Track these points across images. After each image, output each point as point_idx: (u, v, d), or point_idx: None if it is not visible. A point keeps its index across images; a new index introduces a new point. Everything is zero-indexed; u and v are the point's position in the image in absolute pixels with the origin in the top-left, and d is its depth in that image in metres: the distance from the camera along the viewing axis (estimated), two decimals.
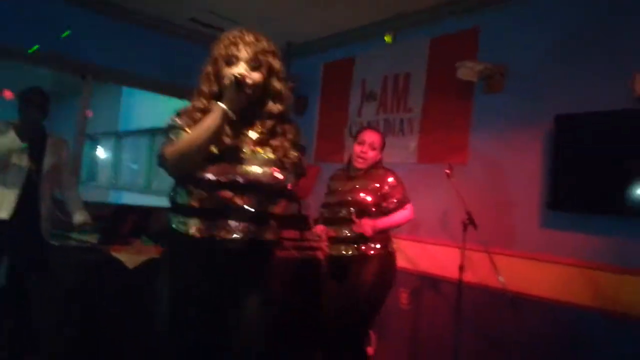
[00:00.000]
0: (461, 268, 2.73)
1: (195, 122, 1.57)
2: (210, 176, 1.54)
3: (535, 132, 2.87)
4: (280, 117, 1.66)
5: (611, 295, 2.45)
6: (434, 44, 3.52)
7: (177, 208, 1.63)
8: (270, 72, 1.63)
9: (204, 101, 1.62)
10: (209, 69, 1.65)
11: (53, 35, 3.69)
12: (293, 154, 1.65)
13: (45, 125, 3.02)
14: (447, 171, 2.79)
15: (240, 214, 1.56)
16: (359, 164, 2.73)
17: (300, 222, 3.54)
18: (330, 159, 4.16)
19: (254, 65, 1.59)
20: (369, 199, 2.65)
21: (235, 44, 1.59)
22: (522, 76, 2.96)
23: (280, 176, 1.60)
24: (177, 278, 1.60)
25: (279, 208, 1.67)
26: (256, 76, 1.59)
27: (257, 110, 1.65)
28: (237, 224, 1.56)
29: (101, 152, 8.15)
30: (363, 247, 2.63)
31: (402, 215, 2.69)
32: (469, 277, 2.78)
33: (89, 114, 4.21)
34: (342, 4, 3.54)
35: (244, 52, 1.59)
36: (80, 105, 4.08)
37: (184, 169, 1.55)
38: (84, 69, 3.96)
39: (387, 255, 2.68)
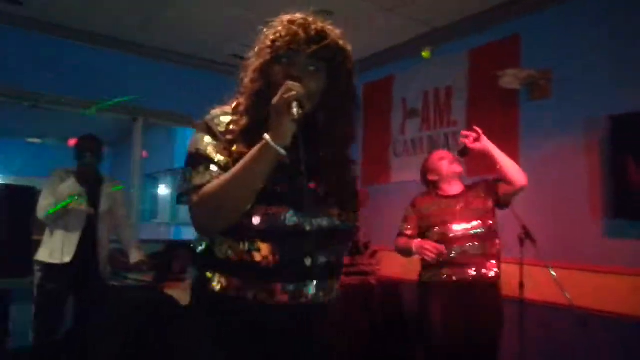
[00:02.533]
0: (521, 285, 2.56)
1: (232, 141, 1.16)
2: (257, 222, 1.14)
3: (589, 136, 2.70)
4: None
5: None
6: (473, 54, 3.42)
7: (214, 263, 1.20)
8: (335, 78, 1.19)
9: (249, 104, 1.18)
10: (254, 61, 1.21)
11: (104, 84, 3.93)
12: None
13: (100, 170, 3.19)
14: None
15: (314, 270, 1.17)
16: (457, 169, 2.56)
17: (351, 248, 3.49)
18: (376, 180, 4.11)
19: (315, 69, 1.16)
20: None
21: (295, 35, 1.14)
22: (570, 80, 2.82)
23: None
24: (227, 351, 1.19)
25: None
26: (313, 85, 1.15)
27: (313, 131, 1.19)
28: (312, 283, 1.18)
29: (161, 190, 8.50)
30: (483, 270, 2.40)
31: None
32: (530, 294, 2.60)
33: (144, 154, 4.41)
34: (377, 24, 3.53)
35: (304, 48, 1.14)
36: (134, 146, 4.29)
37: (216, 226, 1.15)
38: (134, 112, 4.17)
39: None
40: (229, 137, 1.17)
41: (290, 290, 1.15)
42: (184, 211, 7.60)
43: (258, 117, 1.14)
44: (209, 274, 1.20)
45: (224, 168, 1.13)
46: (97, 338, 2.99)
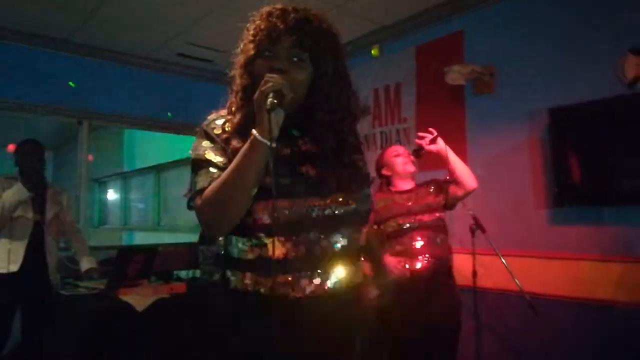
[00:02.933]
0: (474, 274, 2.67)
1: (228, 140, 1.17)
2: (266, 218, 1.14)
3: (532, 128, 2.84)
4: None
5: (629, 286, 2.39)
6: (420, 51, 3.52)
7: (231, 262, 1.21)
8: (323, 65, 1.18)
9: (238, 101, 1.20)
10: (239, 57, 1.21)
11: (46, 85, 3.76)
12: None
13: (45, 176, 3.06)
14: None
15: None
16: (411, 168, 2.61)
17: None
18: None
19: (298, 59, 1.15)
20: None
21: (274, 27, 1.14)
22: (512, 75, 2.95)
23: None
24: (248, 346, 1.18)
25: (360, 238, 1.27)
26: (299, 75, 1.15)
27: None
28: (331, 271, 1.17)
29: (110, 195, 8.21)
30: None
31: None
32: (483, 282, 2.72)
33: (90, 158, 4.25)
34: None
35: (285, 39, 1.13)
36: (79, 150, 4.13)
37: (224, 226, 1.15)
38: (79, 114, 4.02)
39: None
40: (225, 137, 1.18)
41: (306, 281, 1.14)
42: (135, 215, 7.41)
43: (248, 113, 1.13)
44: (228, 273, 1.22)
45: (223, 169, 1.14)
46: (49, 351, 2.87)
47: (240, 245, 1.18)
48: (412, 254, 2.45)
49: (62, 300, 2.84)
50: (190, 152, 1.22)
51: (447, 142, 3.01)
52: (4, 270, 2.78)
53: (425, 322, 2.39)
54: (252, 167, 1.07)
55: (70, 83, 3.81)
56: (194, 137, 1.25)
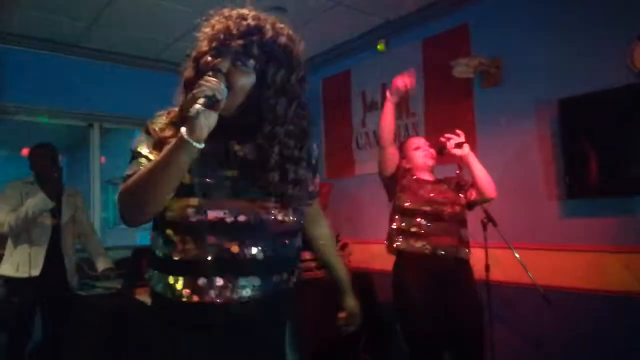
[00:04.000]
0: (487, 267, 2.67)
1: (164, 132, 1.21)
2: (192, 216, 1.15)
3: (541, 120, 2.83)
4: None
5: None
6: (426, 45, 3.52)
7: (157, 263, 1.21)
8: (268, 76, 1.17)
9: (180, 93, 1.25)
10: (193, 52, 1.23)
11: (56, 90, 3.81)
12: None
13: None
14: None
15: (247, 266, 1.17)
16: (431, 161, 2.64)
17: None
18: (341, 174, 4.17)
19: (243, 64, 1.15)
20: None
21: (227, 30, 1.16)
22: (519, 66, 2.94)
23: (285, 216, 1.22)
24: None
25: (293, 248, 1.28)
26: (240, 81, 1.15)
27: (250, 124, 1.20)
28: (245, 279, 1.16)
29: None
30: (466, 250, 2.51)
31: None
32: (496, 276, 2.72)
33: (102, 160, 4.31)
34: (331, 19, 3.57)
35: (234, 43, 1.14)
36: (91, 153, 4.18)
37: (136, 216, 1.15)
38: (89, 118, 4.07)
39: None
40: (163, 131, 1.22)
41: (218, 286, 1.14)
42: None
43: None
44: (149, 273, 1.24)
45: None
46: (69, 350, 2.93)
47: (159, 243, 1.20)
48: (433, 234, 2.48)
49: (81, 301, 2.91)
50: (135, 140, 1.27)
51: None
52: (25, 275, 2.85)
53: (444, 314, 2.40)
54: (173, 164, 1.06)
55: None
56: None
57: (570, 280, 2.64)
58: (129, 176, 1.15)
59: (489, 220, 2.65)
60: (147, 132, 1.23)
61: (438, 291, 2.43)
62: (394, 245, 2.56)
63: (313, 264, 3.41)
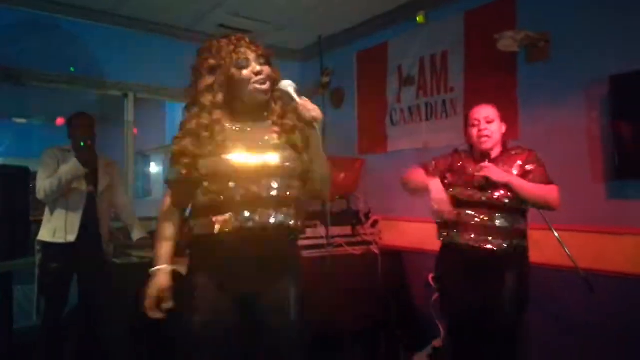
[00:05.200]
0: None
1: (203, 143, 1.57)
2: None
3: (589, 97, 2.69)
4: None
5: None
6: (469, 17, 3.37)
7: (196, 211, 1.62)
8: (269, 61, 1.70)
9: (208, 116, 1.60)
10: (209, 80, 1.62)
11: (91, 58, 3.82)
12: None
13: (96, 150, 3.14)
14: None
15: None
16: (485, 144, 2.36)
17: (352, 217, 3.50)
18: (374, 149, 4.09)
19: (263, 61, 1.66)
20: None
21: (239, 47, 1.63)
22: (568, 40, 2.79)
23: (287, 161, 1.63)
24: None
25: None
26: (267, 70, 1.65)
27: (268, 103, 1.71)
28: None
29: (153, 168, 8.41)
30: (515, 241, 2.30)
31: (545, 188, 2.26)
32: (535, 257, 2.63)
33: (135, 131, 4.33)
34: None
35: (250, 53, 1.64)
36: (125, 123, 4.21)
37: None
38: (123, 87, 4.08)
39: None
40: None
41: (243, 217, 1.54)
42: None
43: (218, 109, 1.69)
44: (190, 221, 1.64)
45: None
46: (103, 314, 3.00)
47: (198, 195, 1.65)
48: (461, 227, 2.37)
49: (115, 268, 2.95)
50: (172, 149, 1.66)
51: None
52: (61, 240, 2.90)
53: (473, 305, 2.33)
54: None
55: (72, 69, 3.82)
56: None
57: (616, 264, 2.53)
58: (170, 182, 1.65)
59: None
60: (184, 137, 1.61)
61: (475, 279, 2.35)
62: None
63: (344, 240, 3.38)
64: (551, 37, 2.86)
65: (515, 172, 2.32)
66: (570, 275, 2.50)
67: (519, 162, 2.35)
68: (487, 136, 2.37)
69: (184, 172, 1.57)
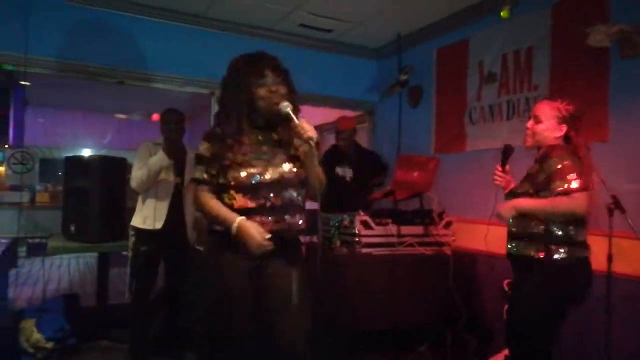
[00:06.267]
0: (610, 258, 2.42)
1: (226, 149, 1.91)
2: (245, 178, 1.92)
3: None
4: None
5: None
6: (557, 10, 3.19)
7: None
8: (286, 79, 1.98)
9: (233, 126, 1.92)
10: (235, 94, 1.94)
11: (181, 58, 4.10)
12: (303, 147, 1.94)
13: (184, 143, 3.38)
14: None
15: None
16: (526, 142, 2.36)
17: (424, 217, 3.46)
18: (450, 149, 4.00)
19: (280, 80, 1.94)
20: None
21: (260, 68, 1.94)
22: None
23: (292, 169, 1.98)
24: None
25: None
26: (283, 89, 1.94)
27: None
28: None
29: None
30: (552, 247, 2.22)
31: (553, 201, 2.15)
32: (619, 267, 2.46)
33: None
34: None
35: (269, 72, 1.94)
36: (212, 120, 4.46)
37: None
38: (211, 86, 4.33)
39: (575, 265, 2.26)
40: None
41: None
42: None
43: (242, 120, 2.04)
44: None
45: None
46: (186, 297, 3.24)
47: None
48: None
49: (198, 255, 3.17)
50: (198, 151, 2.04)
51: (586, 112, 2.65)
52: (150, 227, 3.17)
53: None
54: None
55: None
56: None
57: None
58: (199, 181, 1.98)
59: (616, 206, 2.38)
60: (211, 146, 1.97)
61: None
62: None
63: (415, 240, 3.35)
64: None
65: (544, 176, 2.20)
66: None
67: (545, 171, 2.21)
68: (527, 134, 2.34)
69: (205, 176, 1.94)
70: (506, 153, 2.44)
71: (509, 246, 2.38)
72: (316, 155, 1.93)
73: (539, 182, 2.23)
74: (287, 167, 1.96)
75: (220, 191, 1.95)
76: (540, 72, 3.29)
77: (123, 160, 3.94)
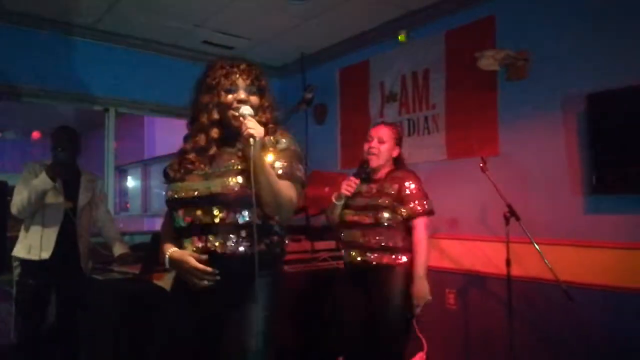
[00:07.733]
0: (508, 262, 2.64)
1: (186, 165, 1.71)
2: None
3: (567, 114, 2.79)
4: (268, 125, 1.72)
5: None
6: (449, 36, 3.46)
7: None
8: (261, 91, 1.74)
9: (204, 135, 1.69)
10: (207, 98, 1.70)
11: (72, 73, 3.77)
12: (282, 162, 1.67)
13: (77, 163, 3.08)
14: (481, 165, 2.72)
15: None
16: (372, 161, 2.62)
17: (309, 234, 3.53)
18: (356, 165, 4.11)
19: (254, 90, 1.70)
20: (386, 202, 2.53)
21: (233, 74, 1.68)
22: (546, 59, 2.89)
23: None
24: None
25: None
26: (254, 100, 1.70)
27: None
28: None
29: (130, 182, 8.28)
30: (393, 256, 2.51)
31: (421, 246, 2.48)
32: (517, 271, 2.69)
33: (115, 145, 4.28)
34: (351, 8, 3.52)
35: (241, 81, 1.68)
36: (106, 138, 4.15)
37: None
38: (105, 102, 4.04)
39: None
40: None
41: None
42: (155, 202, 7.47)
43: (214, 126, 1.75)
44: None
45: None
46: (84, 333, 2.92)
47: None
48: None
49: (97, 285, 2.88)
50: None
51: (478, 128, 2.93)
52: (35, 257, 2.83)
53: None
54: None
55: None
56: None
57: (594, 277, 2.60)
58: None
59: (511, 214, 2.62)
60: (186, 152, 1.75)
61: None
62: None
63: (328, 254, 3.38)
64: (530, 56, 2.96)
65: (392, 192, 2.54)
66: (551, 287, 2.57)
67: (395, 187, 2.55)
68: (373, 153, 2.62)
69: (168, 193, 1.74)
70: (363, 167, 2.65)
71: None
72: (263, 160, 1.57)
73: (397, 198, 2.53)
74: (233, 181, 1.61)
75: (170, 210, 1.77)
76: (437, 92, 3.53)
77: (2, 183, 3.48)
